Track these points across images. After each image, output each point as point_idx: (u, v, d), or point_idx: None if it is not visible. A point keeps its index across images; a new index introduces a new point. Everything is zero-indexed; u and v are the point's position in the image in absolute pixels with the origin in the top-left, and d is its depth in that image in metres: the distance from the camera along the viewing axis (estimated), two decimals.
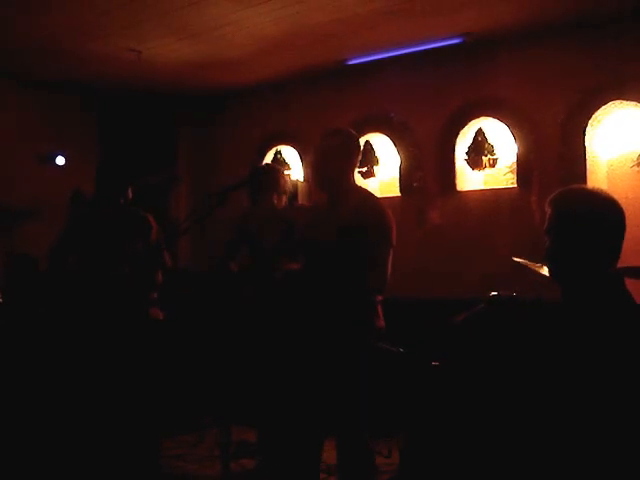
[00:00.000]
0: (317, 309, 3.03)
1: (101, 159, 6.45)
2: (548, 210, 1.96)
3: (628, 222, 1.92)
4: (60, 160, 6.46)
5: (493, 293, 2.59)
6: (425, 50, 5.39)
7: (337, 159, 3.11)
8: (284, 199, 4.14)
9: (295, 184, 5.93)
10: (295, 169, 6.61)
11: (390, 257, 3.01)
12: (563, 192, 1.97)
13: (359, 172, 5.86)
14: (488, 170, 5.37)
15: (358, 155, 3.21)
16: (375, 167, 5.92)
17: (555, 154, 4.97)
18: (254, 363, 3.99)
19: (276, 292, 3.67)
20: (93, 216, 4.10)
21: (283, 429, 3.43)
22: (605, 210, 1.89)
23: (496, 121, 5.32)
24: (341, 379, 2.96)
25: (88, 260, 4.04)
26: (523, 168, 5.16)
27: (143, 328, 3.92)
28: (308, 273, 3.15)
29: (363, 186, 3.43)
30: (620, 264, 1.95)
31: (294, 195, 4.63)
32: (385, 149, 5.92)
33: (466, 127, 5.46)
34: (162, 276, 4.16)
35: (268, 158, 6.75)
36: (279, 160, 6.68)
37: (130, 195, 4.10)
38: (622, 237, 1.91)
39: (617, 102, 4.79)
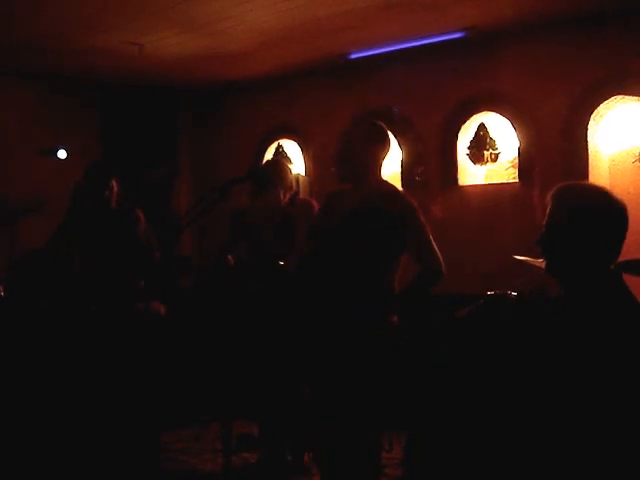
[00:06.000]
0: (326, 295, 3.03)
1: (103, 155, 6.49)
2: (549, 204, 1.96)
3: (630, 217, 1.91)
4: (61, 154, 6.45)
5: (490, 293, 2.60)
6: (427, 44, 5.38)
7: (362, 149, 3.06)
8: (287, 195, 4.13)
9: (297, 178, 5.92)
10: (297, 163, 6.61)
11: (430, 236, 3.03)
12: (565, 186, 1.96)
13: None
14: (490, 165, 5.37)
15: (384, 149, 3.13)
16: None
17: (557, 149, 4.97)
18: (258, 356, 4.00)
19: (286, 279, 3.68)
20: (84, 213, 4.17)
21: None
22: (606, 207, 1.89)
23: (498, 116, 5.31)
24: (353, 371, 2.96)
25: (83, 256, 4.13)
26: (525, 163, 5.16)
27: (145, 320, 3.95)
28: (317, 259, 3.14)
29: None
30: (622, 258, 1.95)
31: (296, 191, 4.62)
32: None
33: (468, 121, 5.45)
34: (151, 269, 4.19)
35: (270, 152, 6.76)
36: (281, 154, 6.68)
37: (115, 188, 4.16)
38: (623, 234, 1.90)
39: (619, 97, 4.78)
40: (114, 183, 4.17)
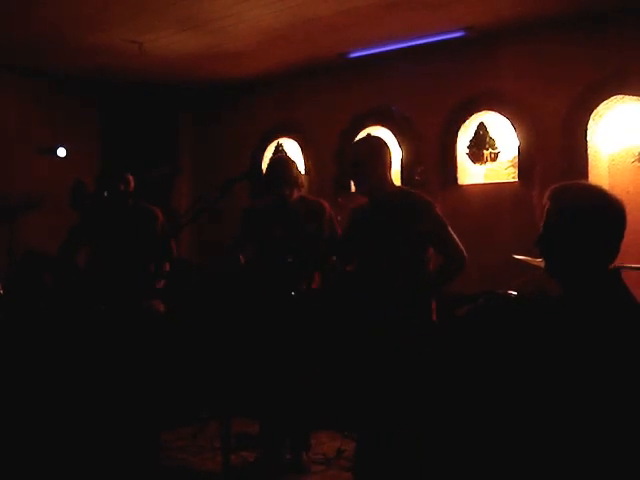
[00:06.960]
0: (376, 305, 3.17)
1: (103, 154, 6.49)
2: (547, 204, 1.95)
3: (629, 216, 1.91)
4: (61, 152, 6.45)
5: (490, 292, 2.64)
6: (427, 43, 5.38)
7: (370, 163, 3.31)
8: (296, 192, 4.09)
9: None
10: (297, 162, 6.60)
11: (450, 229, 3.26)
12: (563, 187, 1.96)
13: None
14: (489, 164, 5.37)
15: (388, 155, 3.39)
16: None
17: (556, 148, 4.97)
18: (258, 354, 4.00)
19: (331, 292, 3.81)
20: (100, 211, 4.18)
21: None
22: (605, 207, 1.89)
23: (498, 115, 5.31)
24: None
25: (97, 254, 4.14)
26: (524, 162, 5.16)
27: (145, 319, 3.96)
28: (364, 273, 3.30)
29: None
30: (620, 257, 1.94)
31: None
32: None
33: (468, 121, 5.45)
34: (169, 266, 4.21)
35: (269, 151, 6.75)
36: (281, 152, 6.67)
37: (132, 184, 4.17)
38: (622, 233, 1.90)
39: (619, 97, 4.78)
40: (130, 177, 4.18)
